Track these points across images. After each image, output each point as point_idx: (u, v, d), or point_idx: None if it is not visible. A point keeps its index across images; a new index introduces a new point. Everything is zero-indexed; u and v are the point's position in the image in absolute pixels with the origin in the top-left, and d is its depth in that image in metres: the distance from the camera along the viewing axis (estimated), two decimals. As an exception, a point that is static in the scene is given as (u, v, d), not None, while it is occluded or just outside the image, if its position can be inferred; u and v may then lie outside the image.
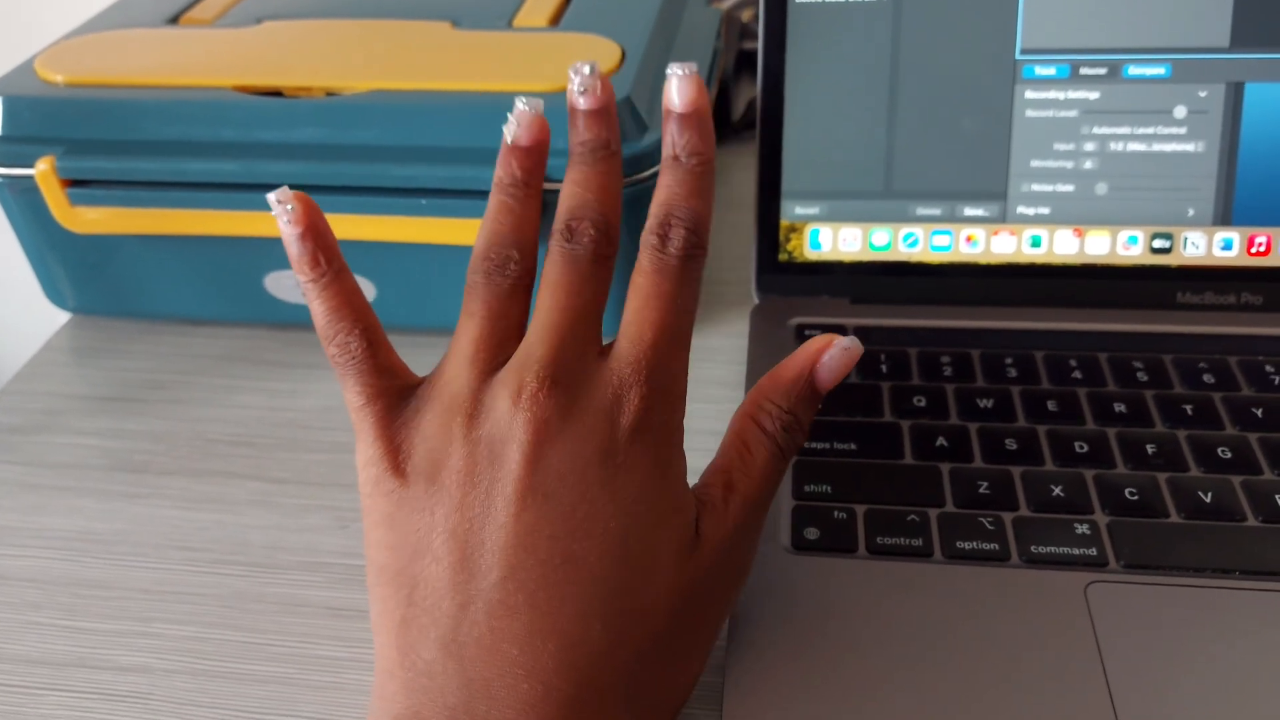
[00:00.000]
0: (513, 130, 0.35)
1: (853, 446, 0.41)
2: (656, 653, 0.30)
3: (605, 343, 0.32)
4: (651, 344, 0.31)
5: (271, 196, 0.32)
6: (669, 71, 0.33)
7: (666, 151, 0.33)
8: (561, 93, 0.46)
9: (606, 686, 0.29)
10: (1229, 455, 0.40)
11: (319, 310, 0.32)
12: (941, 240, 0.48)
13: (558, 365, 0.30)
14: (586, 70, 0.35)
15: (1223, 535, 0.37)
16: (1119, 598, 0.35)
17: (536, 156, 0.35)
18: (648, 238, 0.32)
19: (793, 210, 0.48)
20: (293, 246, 0.32)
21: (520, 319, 0.32)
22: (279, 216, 0.31)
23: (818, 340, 0.33)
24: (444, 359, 0.32)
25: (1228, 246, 0.47)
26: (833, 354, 0.32)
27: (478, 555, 0.29)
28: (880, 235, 0.48)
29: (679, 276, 0.32)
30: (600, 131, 0.35)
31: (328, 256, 0.32)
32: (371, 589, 0.30)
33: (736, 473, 0.32)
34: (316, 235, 0.32)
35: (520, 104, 0.35)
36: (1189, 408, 0.42)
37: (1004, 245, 0.48)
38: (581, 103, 0.35)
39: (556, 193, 0.34)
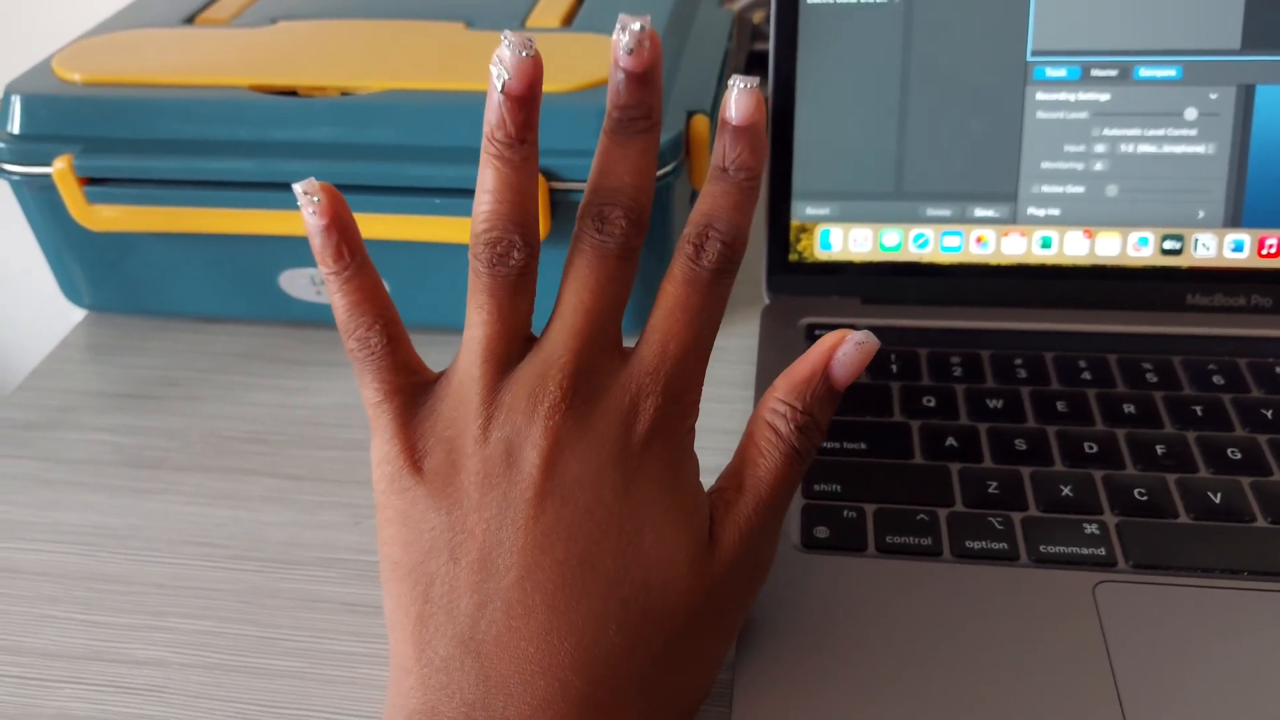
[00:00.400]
0: (502, 75, 0.30)
1: (862, 446, 0.41)
2: (672, 653, 0.30)
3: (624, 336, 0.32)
4: (673, 356, 0.31)
5: (298, 187, 0.31)
6: (730, 82, 0.31)
7: (716, 161, 0.32)
8: (577, 92, 0.46)
9: (622, 686, 0.29)
10: (1238, 456, 0.40)
11: (340, 304, 0.32)
12: (952, 241, 0.48)
13: (578, 373, 0.30)
14: (637, 26, 0.30)
15: (1232, 536, 0.37)
16: (1127, 598, 0.35)
17: (530, 105, 0.31)
18: (684, 246, 0.31)
19: (803, 210, 0.48)
20: (316, 238, 0.31)
21: (528, 307, 0.32)
22: (304, 207, 0.31)
23: (831, 337, 0.32)
24: (457, 356, 0.32)
25: (1238, 248, 0.47)
26: (846, 350, 0.32)
27: (495, 555, 0.29)
28: (891, 236, 0.48)
29: (708, 290, 0.31)
30: (643, 98, 0.31)
31: (351, 249, 0.32)
32: (386, 585, 0.31)
33: (750, 475, 0.32)
34: (341, 228, 0.31)
35: (507, 44, 0.30)
36: (1198, 409, 0.42)
37: (1014, 246, 0.48)
38: (627, 61, 0.30)
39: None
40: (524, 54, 0.30)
